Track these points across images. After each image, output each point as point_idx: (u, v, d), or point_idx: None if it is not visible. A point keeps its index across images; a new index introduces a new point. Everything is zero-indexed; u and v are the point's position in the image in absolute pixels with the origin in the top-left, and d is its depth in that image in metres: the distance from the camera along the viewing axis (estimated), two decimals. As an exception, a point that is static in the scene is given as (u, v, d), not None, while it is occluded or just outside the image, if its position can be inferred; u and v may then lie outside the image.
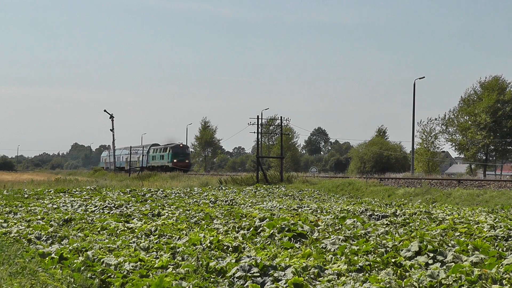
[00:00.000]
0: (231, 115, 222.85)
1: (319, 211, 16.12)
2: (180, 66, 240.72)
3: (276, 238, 10.64)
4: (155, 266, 8.20)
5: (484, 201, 22.08)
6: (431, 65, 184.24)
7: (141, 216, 15.25)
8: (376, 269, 7.90)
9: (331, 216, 13.93)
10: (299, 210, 16.72)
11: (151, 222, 13.54)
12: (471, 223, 12.45)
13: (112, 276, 7.64)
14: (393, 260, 8.16)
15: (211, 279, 7.43)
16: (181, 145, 71.89)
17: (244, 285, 7.15)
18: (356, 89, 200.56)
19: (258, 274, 7.39)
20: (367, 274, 7.62)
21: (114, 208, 17.76)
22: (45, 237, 11.22)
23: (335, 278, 7.44)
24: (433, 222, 13.41)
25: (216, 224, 13.05)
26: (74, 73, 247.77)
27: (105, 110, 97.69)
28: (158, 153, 76.16)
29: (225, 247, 9.80)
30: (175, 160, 68.73)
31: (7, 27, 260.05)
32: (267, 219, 12.56)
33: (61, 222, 13.89)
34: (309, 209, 16.70)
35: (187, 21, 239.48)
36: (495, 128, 60.16)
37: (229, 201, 21.34)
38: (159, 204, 19.01)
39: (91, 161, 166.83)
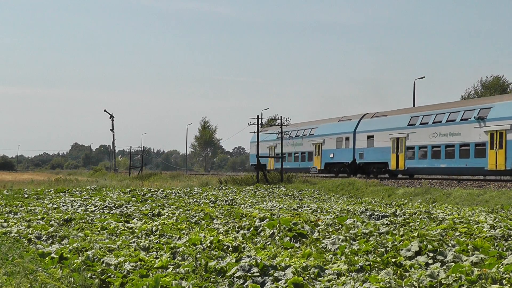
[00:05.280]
0: (231, 115, 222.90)
1: (319, 211, 16.12)
2: (180, 66, 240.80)
3: (276, 238, 10.65)
4: (155, 266, 8.20)
5: (484, 201, 22.08)
6: (431, 65, 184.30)
7: (141, 216, 15.25)
8: (376, 269, 7.90)
9: (331, 216, 13.94)
10: (299, 210, 16.73)
11: (151, 222, 13.54)
12: (471, 223, 12.46)
13: (112, 276, 7.64)
14: (393, 260, 8.16)
15: (211, 279, 7.43)
16: None
17: (244, 285, 7.15)
18: (356, 89, 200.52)
19: (258, 274, 7.39)
20: (367, 274, 7.62)
21: (114, 208, 17.77)
22: (45, 237, 11.21)
23: (335, 278, 7.44)
24: (433, 222, 13.41)
25: (216, 224, 13.06)
26: (74, 73, 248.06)
27: (105, 110, 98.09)
28: None
29: (225, 247, 9.80)
30: None
31: (7, 27, 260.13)
32: (267, 219, 12.56)
33: (61, 222, 13.89)
34: (309, 209, 16.70)
35: (187, 21, 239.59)
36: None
37: (229, 201, 21.34)
38: (159, 204, 19.01)
39: (91, 161, 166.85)
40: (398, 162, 36.17)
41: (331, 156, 42.94)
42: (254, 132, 44.99)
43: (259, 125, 44.12)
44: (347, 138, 41.39)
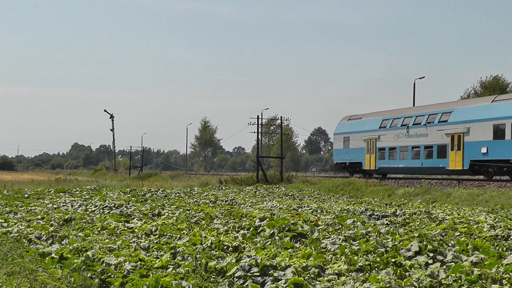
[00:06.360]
0: (231, 115, 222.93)
1: (319, 211, 16.12)
2: (180, 66, 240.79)
3: (276, 238, 10.65)
4: (155, 266, 8.21)
5: (484, 201, 22.08)
6: (431, 65, 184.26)
7: (141, 216, 15.25)
8: (376, 269, 7.91)
9: (331, 216, 13.95)
10: (299, 210, 16.73)
11: (151, 222, 13.54)
12: (471, 223, 12.46)
13: (112, 276, 7.64)
14: (393, 260, 8.16)
15: (211, 279, 7.44)
16: None
17: (244, 285, 7.16)
18: (356, 89, 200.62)
19: (258, 274, 7.40)
20: (367, 274, 7.62)
21: (114, 208, 17.77)
22: (45, 237, 11.22)
23: (335, 278, 7.44)
24: (433, 222, 13.42)
25: (216, 224, 13.06)
26: (74, 73, 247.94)
27: (105, 110, 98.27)
28: None
29: (225, 247, 9.81)
30: None
31: (8, 26, 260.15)
32: (267, 219, 12.56)
33: (61, 222, 13.89)
34: (309, 209, 16.70)
35: (187, 21, 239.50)
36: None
37: (229, 201, 21.35)
38: (159, 204, 19.02)
39: (91, 161, 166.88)
40: None
41: (484, 151, 29.53)
42: (341, 122, 38.82)
43: (259, 125, 44.26)
44: None
